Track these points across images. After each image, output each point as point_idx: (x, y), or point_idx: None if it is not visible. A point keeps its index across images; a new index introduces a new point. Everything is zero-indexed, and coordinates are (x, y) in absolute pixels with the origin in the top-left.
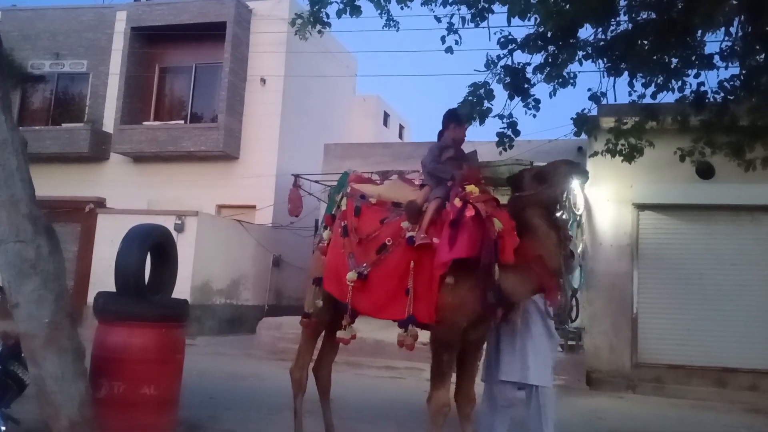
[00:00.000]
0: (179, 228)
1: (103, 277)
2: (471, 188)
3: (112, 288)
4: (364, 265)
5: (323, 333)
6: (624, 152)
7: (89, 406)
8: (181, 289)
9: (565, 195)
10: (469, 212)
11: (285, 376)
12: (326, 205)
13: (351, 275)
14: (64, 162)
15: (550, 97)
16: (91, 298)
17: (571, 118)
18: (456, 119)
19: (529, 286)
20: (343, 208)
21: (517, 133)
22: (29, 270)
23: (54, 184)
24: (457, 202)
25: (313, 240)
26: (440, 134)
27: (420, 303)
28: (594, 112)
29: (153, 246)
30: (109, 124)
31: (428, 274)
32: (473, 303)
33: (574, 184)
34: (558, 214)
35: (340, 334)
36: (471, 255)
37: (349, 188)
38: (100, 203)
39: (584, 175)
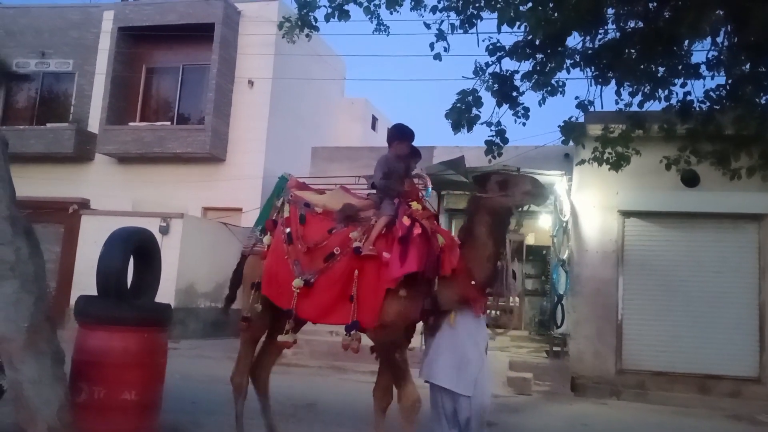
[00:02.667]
0: (164, 230)
1: (86, 279)
2: (415, 205)
3: (95, 290)
4: (311, 272)
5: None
6: (611, 161)
7: (68, 411)
8: (166, 292)
9: (519, 209)
10: (417, 230)
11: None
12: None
13: (297, 282)
14: (48, 162)
15: (540, 105)
16: (73, 300)
17: (559, 126)
18: (398, 136)
19: (456, 296)
20: (286, 214)
21: (505, 141)
22: (7, 272)
23: (38, 184)
24: (406, 221)
25: (246, 244)
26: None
27: (364, 309)
28: (581, 120)
29: (136, 249)
30: (94, 124)
31: (372, 283)
32: (414, 310)
33: (532, 204)
34: (510, 226)
35: (281, 337)
36: (419, 270)
37: (291, 194)
38: (84, 204)
39: (543, 201)
